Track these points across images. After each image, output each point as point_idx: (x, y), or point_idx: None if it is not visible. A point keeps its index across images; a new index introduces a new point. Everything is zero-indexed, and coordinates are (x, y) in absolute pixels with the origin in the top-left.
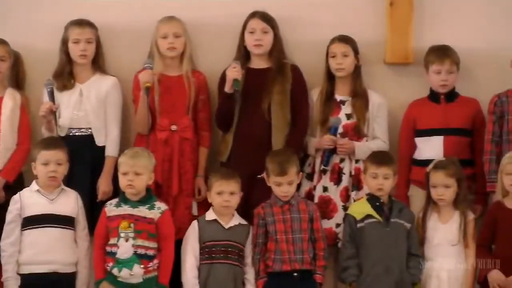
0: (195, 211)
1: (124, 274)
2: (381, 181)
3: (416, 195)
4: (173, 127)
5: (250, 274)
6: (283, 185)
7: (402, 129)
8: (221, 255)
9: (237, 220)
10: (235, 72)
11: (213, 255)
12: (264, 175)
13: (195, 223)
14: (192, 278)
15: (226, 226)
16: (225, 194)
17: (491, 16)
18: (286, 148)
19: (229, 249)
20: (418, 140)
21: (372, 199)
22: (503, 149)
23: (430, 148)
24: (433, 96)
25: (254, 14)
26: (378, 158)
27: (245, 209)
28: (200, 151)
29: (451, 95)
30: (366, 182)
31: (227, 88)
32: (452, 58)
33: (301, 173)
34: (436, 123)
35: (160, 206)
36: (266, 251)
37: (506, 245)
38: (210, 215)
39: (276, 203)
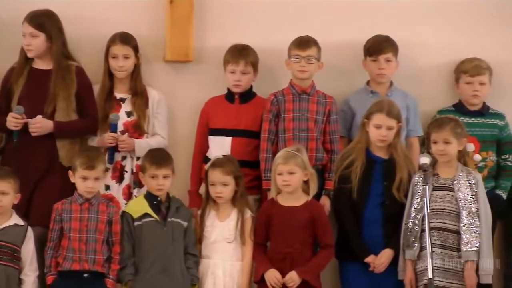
0: None
1: None
2: (161, 181)
3: None
4: None
5: (28, 276)
6: (89, 179)
7: (198, 126)
8: None
9: (13, 220)
10: (13, 123)
11: None
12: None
13: None
14: None
15: None
16: None
17: (274, 16)
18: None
19: (1, 250)
20: (210, 139)
21: (150, 197)
22: (280, 147)
23: (219, 148)
24: (229, 95)
25: (26, 17)
26: (156, 158)
27: (27, 212)
28: None
29: (247, 96)
30: (145, 182)
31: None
32: (247, 58)
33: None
34: (227, 124)
35: None
36: (59, 248)
37: (281, 242)
38: None
39: (77, 200)
